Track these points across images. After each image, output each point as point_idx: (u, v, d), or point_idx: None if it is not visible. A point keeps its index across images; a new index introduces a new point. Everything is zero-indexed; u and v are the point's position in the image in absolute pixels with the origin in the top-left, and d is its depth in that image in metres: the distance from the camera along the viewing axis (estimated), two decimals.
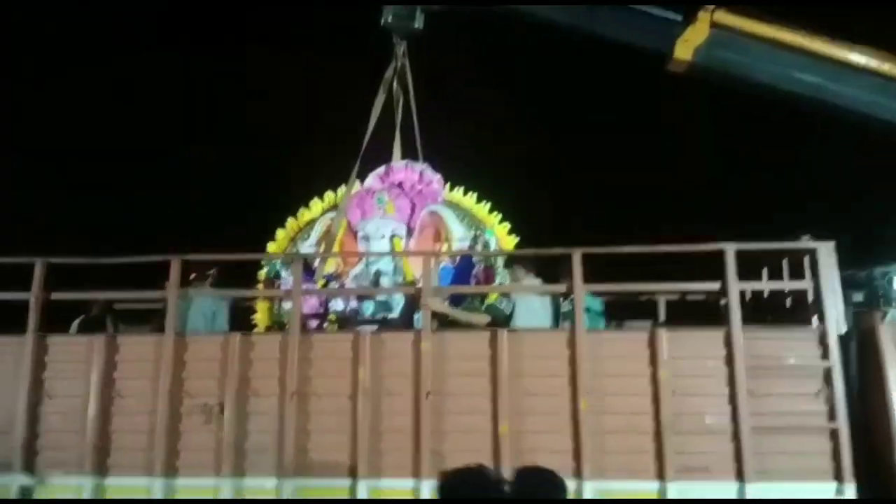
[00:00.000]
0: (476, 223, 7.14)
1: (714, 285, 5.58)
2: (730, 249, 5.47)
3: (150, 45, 12.43)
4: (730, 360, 5.28)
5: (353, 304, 6.80)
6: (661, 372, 5.28)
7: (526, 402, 5.37)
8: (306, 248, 7.17)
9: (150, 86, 12.67)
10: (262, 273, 7.41)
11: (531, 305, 5.73)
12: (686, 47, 5.81)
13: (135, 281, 6.19)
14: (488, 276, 6.77)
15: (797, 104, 5.82)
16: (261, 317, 7.38)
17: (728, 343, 5.32)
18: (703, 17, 5.83)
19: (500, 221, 7.26)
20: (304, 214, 7.52)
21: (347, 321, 6.68)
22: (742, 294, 5.87)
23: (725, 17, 5.81)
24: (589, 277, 5.55)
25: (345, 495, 5.32)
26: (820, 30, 5.72)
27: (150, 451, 5.50)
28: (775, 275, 5.97)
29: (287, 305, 6.64)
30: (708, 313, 6.14)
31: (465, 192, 7.41)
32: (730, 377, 5.27)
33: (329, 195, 7.61)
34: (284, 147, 11.43)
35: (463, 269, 6.87)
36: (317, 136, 10.67)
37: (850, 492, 5.03)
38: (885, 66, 5.52)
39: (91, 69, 12.28)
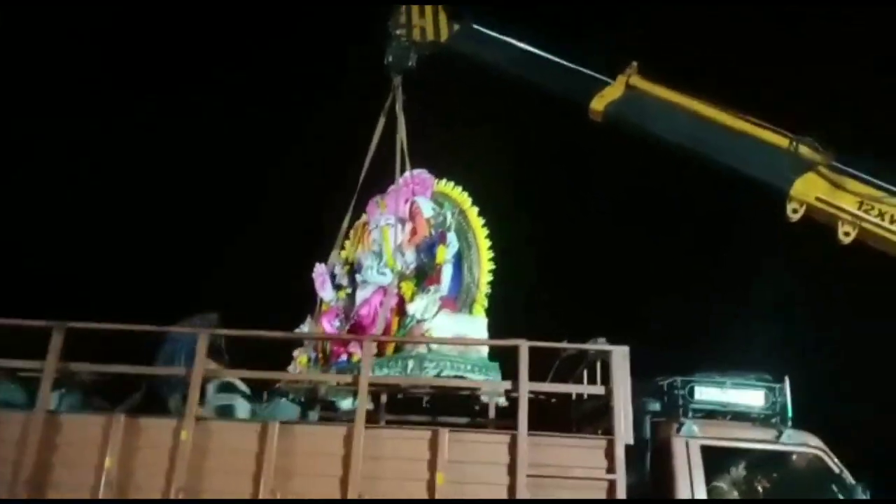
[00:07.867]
0: (443, 201, 7.57)
1: (507, 384, 5.28)
2: (524, 346, 5.21)
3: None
4: (512, 469, 4.91)
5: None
6: (438, 476, 4.87)
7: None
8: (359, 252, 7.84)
9: None
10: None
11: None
12: (601, 101, 6.84)
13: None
14: (443, 237, 7.04)
15: (684, 153, 6.58)
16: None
17: (512, 449, 4.96)
18: (621, 80, 6.88)
19: (468, 199, 7.49)
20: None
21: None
22: (548, 396, 5.68)
23: (638, 82, 6.81)
24: None
25: None
26: (715, 98, 6.55)
27: None
28: (582, 378, 5.72)
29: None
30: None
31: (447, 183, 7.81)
32: (510, 486, 4.87)
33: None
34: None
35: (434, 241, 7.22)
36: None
37: None
38: (762, 133, 6.19)
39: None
